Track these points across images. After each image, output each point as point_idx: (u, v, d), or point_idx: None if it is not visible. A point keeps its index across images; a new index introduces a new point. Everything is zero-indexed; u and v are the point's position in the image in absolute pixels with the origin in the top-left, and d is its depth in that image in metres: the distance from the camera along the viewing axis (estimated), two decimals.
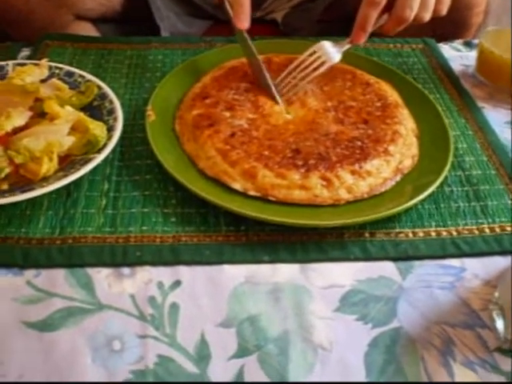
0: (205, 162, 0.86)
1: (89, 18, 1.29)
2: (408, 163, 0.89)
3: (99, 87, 0.95)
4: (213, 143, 0.87)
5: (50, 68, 0.99)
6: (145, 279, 0.75)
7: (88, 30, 1.29)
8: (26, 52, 1.15)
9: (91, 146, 0.83)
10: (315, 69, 0.99)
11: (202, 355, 0.67)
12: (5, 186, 0.79)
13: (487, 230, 0.84)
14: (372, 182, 0.85)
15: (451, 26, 1.32)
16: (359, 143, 0.89)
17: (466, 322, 0.73)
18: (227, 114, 0.94)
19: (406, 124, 0.95)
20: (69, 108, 0.88)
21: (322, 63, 0.99)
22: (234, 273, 0.76)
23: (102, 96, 0.94)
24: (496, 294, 0.74)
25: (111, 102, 0.92)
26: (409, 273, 0.78)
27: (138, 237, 0.79)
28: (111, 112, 0.90)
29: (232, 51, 1.09)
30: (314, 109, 0.97)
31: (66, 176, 0.78)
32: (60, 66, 0.99)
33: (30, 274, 0.74)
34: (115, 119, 0.88)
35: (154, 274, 0.75)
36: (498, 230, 0.84)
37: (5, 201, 0.75)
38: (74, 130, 0.85)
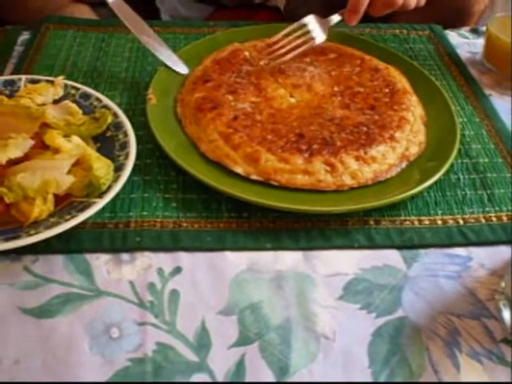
0: (207, 146, 0.85)
1: (86, 1, 1.27)
2: (414, 150, 0.87)
3: (115, 115, 0.86)
4: (215, 126, 0.86)
5: (66, 87, 0.91)
6: (144, 265, 0.73)
7: (85, 12, 1.27)
8: (26, 36, 1.14)
9: (92, 189, 0.74)
10: (298, 45, 0.99)
11: (202, 343, 0.66)
12: None
13: (494, 219, 0.82)
14: (377, 168, 0.83)
15: (452, 14, 1.31)
16: (365, 129, 0.87)
17: (472, 312, 0.72)
18: (230, 97, 0.93)
19: (414, 111, 0.93)
20: (76, 139, 0.80)
21: (307, 40, 0.99)
22: (236, 260, 0.75)
23: (117, 126, 0.85)
24: (502, 284, 0.73)
25: (126, 135, 0.83)
26: (414, 261, 0.76)
27: (138, 222, 0.78)
28: (124, 146, 0.81)
29: (235, 35, 1.08)
30: (320, 93, 0.96)
31: (58, 224, 0.70)
32: (77, 85, 0.91)
33: (27, 259, 0.73)
34: (127, 156, 0.79)
35: (153, 260, 0.74)
36: (505, 218, 0.82)
37: None
38: (78, 164, 0.77)
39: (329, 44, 1.06)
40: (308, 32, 0.99)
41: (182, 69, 1.00)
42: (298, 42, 0.99)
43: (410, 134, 0.89)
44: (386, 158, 0.84)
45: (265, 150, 0.82)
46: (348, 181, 0.81)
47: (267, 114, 0.90)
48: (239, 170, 0.81)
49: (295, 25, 0.99)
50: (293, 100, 0.95)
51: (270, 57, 0.99)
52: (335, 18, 1.01)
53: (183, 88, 0.97)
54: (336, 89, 0.97)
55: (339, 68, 1.02)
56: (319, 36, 1.00)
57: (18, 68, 1.03)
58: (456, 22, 1.31)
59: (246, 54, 1.04)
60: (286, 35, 1.00)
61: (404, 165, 0.85)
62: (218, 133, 0.85)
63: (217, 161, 0.83)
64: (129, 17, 1.00)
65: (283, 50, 0.99)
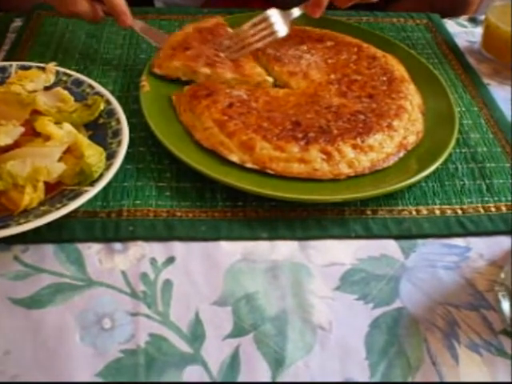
0: (201, 133, 0.83)
1: None
2: (412, 139, 0.86)
3: (108, 102, 0.85)
4: (210, 113, 0.84)
5: (58, 74, 0.89)
6: (137, 255, 0.72)
7: None
8: (18, 23, 1.12)
9: (84, 177, 0.73)
10: (261, 38, 0.98)
11: (196, 334, 0.65)
12: None
13: (493, 209, 0.81)
14: (374, 157, 0.82)
15: (451, 3, 1.30)
16: (362, 117, 0.86)
17: (470, 303, 0.71)
18: (207, 70, 0.93)
19: (412, 99, 0.92)
20: (67, 126, 0.78)
21: (270, 33, 0.97)
22: (231, 249, 0.74)
23: (110, 113, 0.83)
24: (502, 275, 0.72)
25: (118, 122, 0.81)
26: (412, 252, 0.75)
27: (130, 211, 0.76)
28: (116, 134, 0.80)
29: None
30: (316, 81, 0.95)
31: (49, 212, 0.69)
32: (69, 72, 0.90)
33: (17, 249, 0.72)
34: (119, 143, 0.78)
35: (146, 249, 0.73)
36: (504, 208, 0.81)
37: None
38: (69, 152, 0.76)
39: (326, 31, 1.05)
40: (271, 25, 0.97)
41: None
42: (262, 34, 0.97)
43: (408, 123, 0.87)
44: (384, 146, 0.83)
45: (260, 137, 0.81)
46: (345, 169, 0.80)
47: (263, 102, 0.88)
48: (234, 158, 0.80)
49: (258, 18, 0.97)
50: (269, 79, 0.96)
51: (232, 49, 0.98)
52: (296, 12, 0.99)
53: (162, 52, 0.96)
54: (333, 76, 0.96)
55: (336, 56, 1.00)
56: (282, 29, 0.98)
57: (10, 55, 1.02)
58: (455, 12, 1.30)
59: (229, 30, 1.03)
60: (250, 28, 0.98)
61: (402, 154, 0.84)
62: (213, 120, 0.83)
63: (211, 149, 0.81)
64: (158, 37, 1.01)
65: (246, 42, 0.98)
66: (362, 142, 0.82)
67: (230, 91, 0.89)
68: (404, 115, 0.88)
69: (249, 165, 0.79)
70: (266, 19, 0.97)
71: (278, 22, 0.97)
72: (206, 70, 0.93)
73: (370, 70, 0.97)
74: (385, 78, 0.95)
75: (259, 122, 0.83)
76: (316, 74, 0.96)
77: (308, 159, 0.79)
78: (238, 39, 0.98)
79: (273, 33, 0.97)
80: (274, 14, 0.97)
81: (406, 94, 0.92)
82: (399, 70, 0.98)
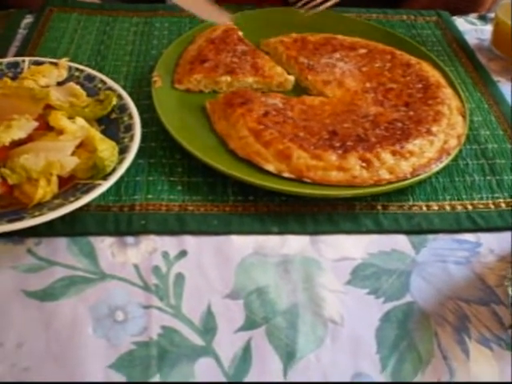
0: (236, 142, 0.82)
1: None
2: (454, 143, 0.85)
3: (120, 97, 0.85)
4: (245, 122, 0.84)
5: (70, 69, 0.90)
6: (149, 249, 0.72)
7: None
8: (29, 19, 1.13)
9: (97, 171, 0.73)
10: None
11: (208, 327, 0.65)
12: None
13: (503, 205, 0.81)
14: (415, 161, 0.81)
15: (464, 1, 1.30)
16: (400, 125, 0.85)
17: (481, 298, 0.71)
18: (228, 77, 0.93)
19: (450, 103, 0.91)
20: (80, 121, 0.79)
21: None
22: (242, 244, 0.74)
23: (122, 108, 0.83)
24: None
25: (131, 117, 0.82)
26: (422, 247, 0.75)
27: (143, 205, 0.77)
28: (129, 128, 0.80)
29: (242, 18, 1.07)
30: (352, 90, 0.94)
31: (62, 205, 0.69)
32: (81, 68, 0.90)
33: (30, 242, 0.72)
34: (131, 138, 0.78)
35: (158, 243, 0.73)
36: None
37: None
38: (82, 146, 0.76)
39: (358, 39, 1.05)
40: None
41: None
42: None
43: (448, 128, 0.86)
44: (424, 151, 0.82)
45: (297, 146, 0.80)
46: (385, 175, 0.79)
47: (298, 110, 0.88)
48: (270, 167, 0.79)
49: None
50: (290, 77, 0.96)
51: (307, 6, 0.99)
52: None
53: (179, 68, 0.96)
54: (368, 85, 0.95)
55: (370, 64, 1.00)
56: None
57: (22, 51, 1.02)
58: (468, 8, 1.30)
59: (240, 33, 1.04)
60: None
61: (444, 158, 0.82)
62: (248, 129, 0.83)
63: (247, 158, 0.81)
64: None
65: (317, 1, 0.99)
66: (402, 148, 0.81)
67: (265, 99, 0.89)
68: (443, 120, 0.87)
69: (286, 174, 0.78)
70: None
71: None
72: (227, 78, 0.94)
73: (405, 78, 0.96)
74: (420, 85, 0.94)
75: (295, 132, 0.83)
76: (351, 83, 0.96)
77: (346, 167, 0.78)
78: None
79: None
80: None
81: (442, 98, 0.91)
82: (434, 75, 0.97)
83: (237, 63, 0.96)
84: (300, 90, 0.97)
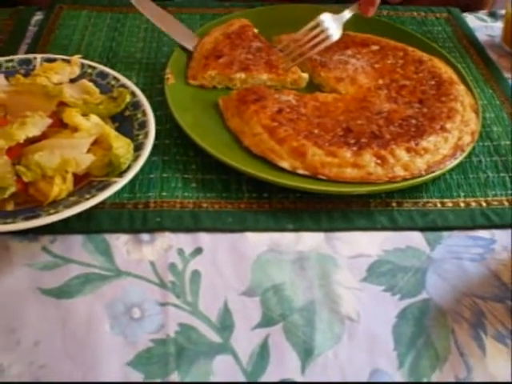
0: (250, 139, 0.82)
1: None
2: (467, 140, 0.85)
3: (133, 94, 0.84)
4: (259, 119, 0.84)
5: (82, 66, 0.89)
6: (165, 246, 0.72)
7: None
8: (39, 16, 1.13)
9: (112, 168, 0.73)
10: (316, 44, 0.97)
11: (225, 324, 0.65)
12: (10, 207, 0.72)
13: None
14: (430, 158, 0.81)
15: (466, 2, 1.29)
16: (414, 121, 0.85)
17: (496, 294, 0.71)
18: (242, 74, 0.94)
19: (463, 100, 0.90)
20: (94, 118, 0.78)
21: (324, 38, 0.97)
22: (257, 241, 0.74)
23: (135, 105, 0.83)
24: None
25: (144, 114, 0.82)
26: (437, 243, 0.75)
27: (157, 202, 0.77)
28: (143, 126, 0.80)
29: (252, 15, 1.07)
30: (364, 86, 0.94)
31: (78, 203, 0.69)
32: (94, 65, 0.90)
33: (45, 239, 0.72)
34: (146, 135, 0.78)
35: (173, 240, 0.73)
36: None
37: (5, 228, 0.66)
38: (97, 144, 0.76)
39: (369, 36, 1.05)
40: (325, 30, 0.97)
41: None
42: (317, 40, 0.97)
43: (461, 124, 0.86)
44: (439, 148, 0.82)
45: (311, 143, 0.80)
46: (400, 172, 0.79)
47: (312, 107, 0.88)
48: (285, 164, 0.79)
49: (311, 24, 0.97)
50: (305, 75, 0.96)
51: (290, 57, 0.98)
52: (347, 14, 0.99)
53: (194, 62, 0.96)
54: (381, 82, 0.95)
55: (382, 60, 0.99)
56: (335, 33, 0.98)
57: (32, 48, 1.03)
58: (471, 7, 1.29)
59: (255, 30, 1.04)
60: (304, 35, 0.98)
61: (458, 155, 0.82)
62: (262, 126, 0.83)
63: (261, 155, 0.81)
64: (153, 10, 1.01)
65: (303, 49, 0.98)
66: (416, 144, 0.81)
67: (278, 96, 0.89)
68: (456, 117, 0.86)
69: (300, 171, 0.78)
70: (319, 24, 0.97)
71: (331, 26, 0.98)
72: (242, 75, 0.94)
73: (418, 75, 0.96)
74: (433, 82, 0.94)
75: (310, 129, 0.83)
76: (364, 79, 0.95)
77: (361, 164, 0.78)
78: (293, 47, 0.98)
79: (327, 37, 0.97)
80: (326, 19, 0.97)
81: (455, 95, 0.91)
82: (447, 72, 0.97)
83: (251, 60, 0.96)
84: (313, 86, 0.97)
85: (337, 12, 1.00)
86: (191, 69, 0.95)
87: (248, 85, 0.94)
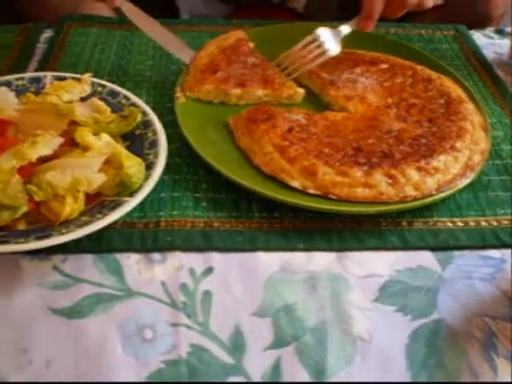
0: (261, 158, 0.82)
1: None
2: (478, 159, 0.84)
3: (144, 113, 0.85)
4: (269, 138, 0.84)
5: (93, 85, 0.89)
6: (176, 265, 0.72)
7: (103, 10, 1.25)
8: (48, 33, 1.13)
9: (124, 188, 0.73)
10: (312, 59, 0.98)
11: (237, 345, 0.65)
12: (21, 226, 0.71)
13: None
14: (440, 178, 0.80)
15: (472, 20, 1.30)
16: (424, 141, 0.85)
17: (506, 314, 0.71)
18: (238, 90, 0.94)
19: (473, 119, 0.90)
20: (105, 137, 0.78)
21: (321, 53, 0.97)
22: (269, 260, 0.74)
23: (146, 124, 0.83)
24: None
25: (155, 133, 0.82)
26: (449, 263, 0.75)
27: (168, 221, 0.77)
28: (153, 145, 0.80)
29: (260, 34, 1.07)
30: (374, 105, 0.94)
31: (90, 223, 0.69)
32: (104, 83, 0.90)
33: (56, 258, 0.72)
34: (156, 154, 0.78)
35: (184, 259, 0.73)
36: None
37: (17, 248, 0.66)
38: (108, 163, 0.75)
39: (378, 54, 1.05)
40: (321, 44, 0.97)
41: None
42: (314, 54, 0.98)
43: (471, 144, 0.86)
44: (449, 167, 0.82)
45: (322, 163, 0.80)
46: (411, 192, 0.79)
47: (322, 126, 0.88)
48: (296, 183, 0.79)
49: (308, 38, 0.98)
50: (300, 90, 0.97)
51: (287, 71, 0.99)
52: (345, 30, 0.99)
53: (189, 75, 0.97)
54: (390, 100, 0.95)
55: (391, 79, 0.99)
56: (333, 48, 0.98)
57: (42, 65, 1.03)
58: (477, 24, 1.30)
59: (251, 45, 1.05)
60: (301, 49, 0.98)
61: (469, 174, 0.82)
62: (273, 145, 0.83)
63: (272, 175, 0.81)
64: (145, 21, 1.01)
65: (298, 64, 0.98)
66: (427, 164, 0.81)
67: (288, 115, 0.89)
68: (466, 136, 0.86)
69: (311, 190, 0.78)
70: (316, 39, 0.97)
71: (329, 40, 0.97)
72: (237, 91, 0.94)
73: (427, 93, 0.96)
74: (442, 101, 0.94)
75: (320, 148, 0.83)
76: (373, 98, 0.95)
77: (372, 183, 0.78)
78: (290, 61, 0.98)
79: (324, 52, 0.97)
80: (323, 33, 0.98)
81: (465, 114, 0.91)
82: (455, 90, 0.97)
83: (247, 75, 0.97)
84: (321, 105, 0.97)
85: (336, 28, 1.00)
86: (187, 81, 0.96)
87: (243, 100, 0.95)
